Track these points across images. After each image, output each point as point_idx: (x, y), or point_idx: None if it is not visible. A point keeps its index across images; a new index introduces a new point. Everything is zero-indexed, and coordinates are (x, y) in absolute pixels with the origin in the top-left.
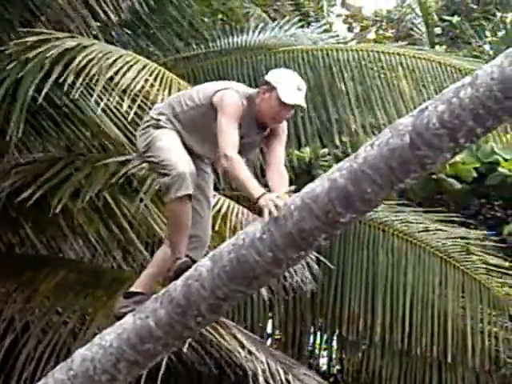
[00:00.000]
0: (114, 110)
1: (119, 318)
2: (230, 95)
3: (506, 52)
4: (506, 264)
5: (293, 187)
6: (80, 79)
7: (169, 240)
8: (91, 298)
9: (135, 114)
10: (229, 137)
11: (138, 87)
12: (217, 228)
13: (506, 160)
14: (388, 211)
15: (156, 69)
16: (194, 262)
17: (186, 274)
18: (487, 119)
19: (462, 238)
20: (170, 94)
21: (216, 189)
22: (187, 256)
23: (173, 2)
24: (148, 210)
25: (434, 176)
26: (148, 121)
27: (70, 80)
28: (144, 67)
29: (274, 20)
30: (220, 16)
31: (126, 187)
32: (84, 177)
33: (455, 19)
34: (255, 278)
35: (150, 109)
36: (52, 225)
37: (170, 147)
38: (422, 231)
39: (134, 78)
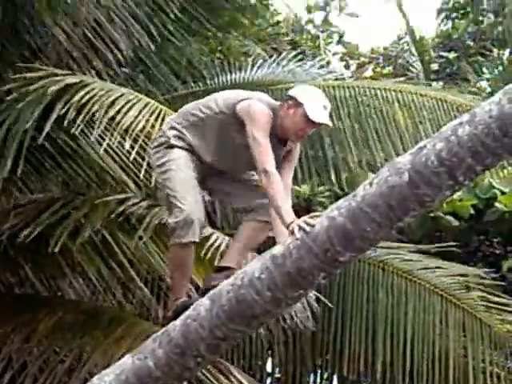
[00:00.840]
0: (115, 149)
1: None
2: (259, 105)
3: (505, 89)
4: (506, 301)
5: (318, 214)
6: (81, 116)
7: (170, 280)
8: (89, 337)
9: (137, 152)
10: (266, 151)
11: (140, 126)
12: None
13: (503, 193)
14: (387, 249)
15: (157, 108)
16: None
17: (186, 313)
18: (486, 157)
19: (461, 275)
20: None
21: (214, 227)
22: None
23: (171, 40)
24: (147, 247)
25: (431, 214)
26: (161, 136)
27: (70, 117)
28: (145, 106)
29: (270, 57)
30: (218, 55)
31: (125, 224)
32: (83, 215)
33: (452, 55)
34: (254, 317)
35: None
36: (51, 264)
37: (183, 183)
38: (422, 269)
39: (136, 117)
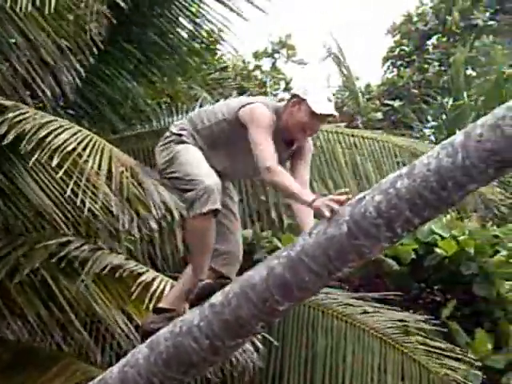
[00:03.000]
0: (55, 191)
1: (149, 332)
2: (260, 108)
3: (443, 143)
4: (445, 346)
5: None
6: (17, 155)
7: (191, 260)
8: (25, 375)
9: (71, 190)
10: (266, 148)
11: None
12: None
13: (443, 238)
14: (327, 293)
15: (95, 141)
16: (227, 278)
17: (123, 360)
18: (424, 209)
19: (401, 320)
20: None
21: (157, 269)
22: (219, 273)
23: (116, 83)
24: (88, 289)
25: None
26: (169, 136)
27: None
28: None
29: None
30: (165, 98)
31: (67, 267)
32: (22, 255)
33: (397, 103)
34: (192, 365)
35: (86, 185)
36: None
37: (195, 161)
38: (362, 313)
39: (69, 154)
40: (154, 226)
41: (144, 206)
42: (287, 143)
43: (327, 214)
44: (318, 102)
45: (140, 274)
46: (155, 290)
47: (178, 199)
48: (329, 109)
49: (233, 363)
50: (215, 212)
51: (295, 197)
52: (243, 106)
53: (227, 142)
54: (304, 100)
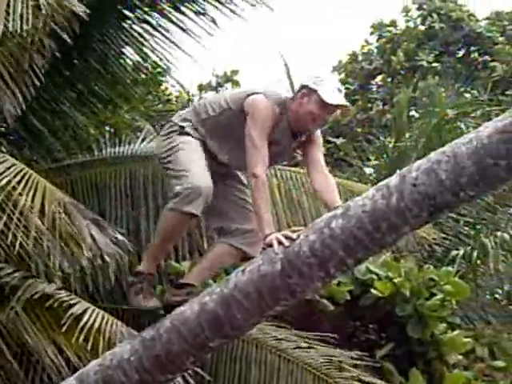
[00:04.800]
0: None
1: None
2: (261, 101)
3: (378, 185)
4: (379, 382)
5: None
6: None
7: (151, 244)
8: None
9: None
10: (259, 153)
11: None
12: (91, 341)
13: (379, 279)
14: (261, 328)
15: (26, 173)
16: (251, 258)
17: None
18: (357, 250)
19: (335, 356)
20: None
21: (93, 299)
22: (242, 252)
23: (57, 111)
24: (20, 319)
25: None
26: (171, 126)
27: None
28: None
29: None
30: (107, 128)
31: None
32: None
33: (340, 141)
34: None
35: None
36: None
37: (193, 157)
38: (295, 348)
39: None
40: (85, 263)
41: (76, 243)
42: (294, 134)
43: (276, 246)
44: (329, 93)
45: (71, 306)
46: (86, 322)
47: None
48: (340, 99)
49: None
50: (193, 216)
51: (258, 219)
52: (247, 96)
53: (232, 132)
54: (315, 91)
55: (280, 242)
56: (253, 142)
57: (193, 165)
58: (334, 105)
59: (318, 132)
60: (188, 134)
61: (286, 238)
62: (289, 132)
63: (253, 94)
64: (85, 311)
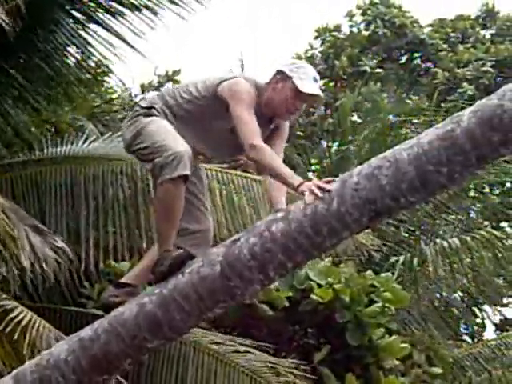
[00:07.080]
0: None
1: (108, 306)
2: (241, 83)
3: None
4: None
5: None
6: None
7: (157, 230)
8: None
9: None
10: (250, 125)
11: None
12: (15, 339)
13: (320, 286)
14: (199, 331)
15: None
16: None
17: None
18: (297, 254)
19: (271, 362)
20: None
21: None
22: (187, 251)
23: None
24: None
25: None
26: (137, 110)
27: None
28: None
29: (102, 134)
30: (48, 126)
31: None
32: None
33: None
34: None
35: None
36: None
37: (163, 130)
38: (233, 352)
39: None
40: (27, 265)
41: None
42: (267, 121)
43: (309, 199)
44: (304, 81)
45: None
46: (12, 319)
47: (148, 171)
48: (314, 89)
49: None
50: (185, 178)
51: (282, 177)
52: (221, 82)
53: (202, 120)
54: (290, 77)
55: (312, 192)
56: (242, 118)
57: (166, 135)
58: (307, 93)
59: (287, 124)
60: (154, 115)
61: (319, 188)
62: (262, 117)
63: (227, 79)
64: (12, 310)
